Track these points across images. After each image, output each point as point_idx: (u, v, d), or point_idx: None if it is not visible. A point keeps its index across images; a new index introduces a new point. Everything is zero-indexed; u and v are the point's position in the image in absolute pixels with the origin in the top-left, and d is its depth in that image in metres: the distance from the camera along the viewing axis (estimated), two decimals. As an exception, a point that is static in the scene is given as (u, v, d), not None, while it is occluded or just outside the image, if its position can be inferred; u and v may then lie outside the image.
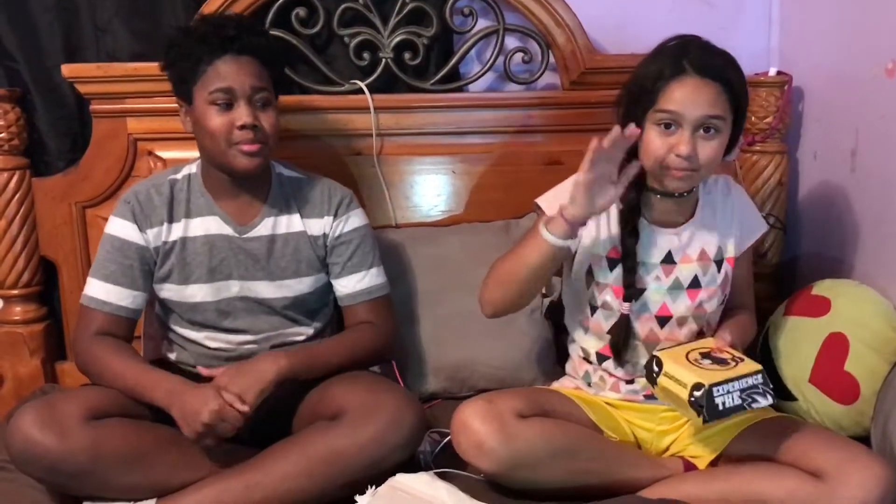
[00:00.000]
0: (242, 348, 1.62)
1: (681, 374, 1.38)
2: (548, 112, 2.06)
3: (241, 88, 1.49)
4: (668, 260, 1.53)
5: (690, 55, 1.41)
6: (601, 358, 1.58)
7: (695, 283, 1.54)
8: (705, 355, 1.42)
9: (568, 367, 1.69)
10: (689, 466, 1.50)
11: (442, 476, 1.44)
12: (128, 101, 1.94)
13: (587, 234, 1.52)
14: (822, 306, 1.74)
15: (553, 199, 1.50)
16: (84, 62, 1.96)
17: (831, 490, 1.32)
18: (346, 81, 2.01)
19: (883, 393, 1.54)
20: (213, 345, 1.62)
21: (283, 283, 1.61)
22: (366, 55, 2.01)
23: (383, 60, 2.02)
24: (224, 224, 1.59)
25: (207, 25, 1.52)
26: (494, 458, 1.40)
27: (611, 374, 1.58)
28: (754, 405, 1.37)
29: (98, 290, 1.56)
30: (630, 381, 1.56)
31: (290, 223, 1.62)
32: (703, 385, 1.34)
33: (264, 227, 1.60)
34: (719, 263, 1.55)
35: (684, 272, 1.53)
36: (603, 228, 1.53)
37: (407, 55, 2.02)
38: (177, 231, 1.58)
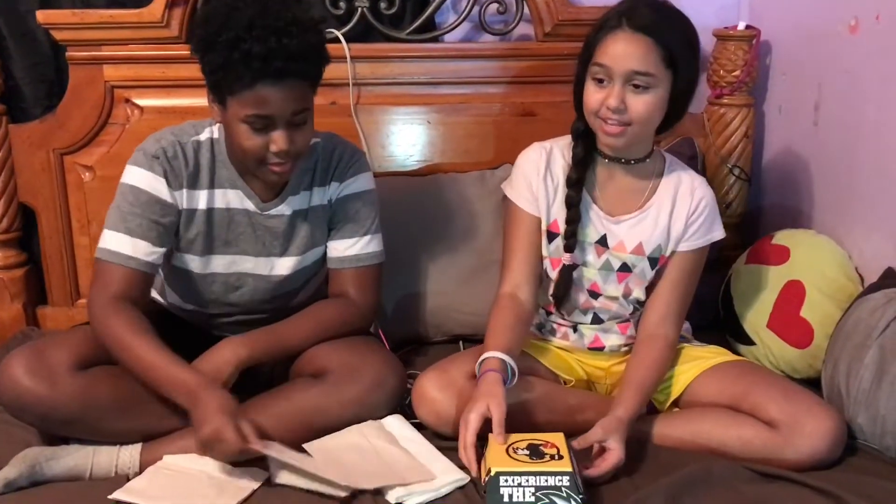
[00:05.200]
0: (238, 318, 1.64)
1: (490, 460, 1.29)
2: (522, 63, 2.08)
3: (282, 115, 1.38)
4: (602, 242, 1.57)
5: (631, 12, 1.42)
6: (548, 313, 1.65)
7: (624, 268, 1.57)
8: (531, 447, 1.31)
9: None
10: (651, 409, 1.57)
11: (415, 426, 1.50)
12: (104, 48, 1.94)
13: (537, 212, 1.57)
14: (781, 255, 1.81)
15: (516, 186, 1.58)
16: (59, 8, 1.95)
17: (786, 440, 1.40)
18: (322, 30, 2.02)
19: (834, 338, 1.62)
20: (211, 311, 1.63)
21: (297, 257, 1.60)
22: (341, 4, 2.02)
23: (359, 9, 2.03)
24: (246, 199, 1.54)
25: (253, 42, 1.32)
26: (454, 425, 1.43)
27: (559, 324, 1.65)
28: None
29: (122, 243, 1.45)
30: (575, 329, 1.63)
31: (311, 197, 1.59)
32: (491, 470, 1.26)
33: (287, 206, 1.56)
34: (653, 261, 1.57)
35: (614, 258, 1.57)
36: (548, 202, 1.56)
37: (383, 4, 2.03)
38: (203, 200, 1.52)
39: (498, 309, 1.55)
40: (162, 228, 1.48)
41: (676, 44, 1.42)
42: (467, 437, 1.33)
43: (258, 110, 1.37)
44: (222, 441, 1.32)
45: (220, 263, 1.57)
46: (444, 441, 1.47)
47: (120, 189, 1.49)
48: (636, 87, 1.41)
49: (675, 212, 1.56)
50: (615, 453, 1.35)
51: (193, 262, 1.56)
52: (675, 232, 1.56)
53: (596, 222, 1.56)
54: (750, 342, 1.81)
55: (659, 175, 1.58)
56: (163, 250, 1.49)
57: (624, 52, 1.40)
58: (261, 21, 1.33)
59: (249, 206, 1.54)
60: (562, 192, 1.56)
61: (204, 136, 1.53)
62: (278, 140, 1.40)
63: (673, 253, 1.57)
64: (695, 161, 2.05)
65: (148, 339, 1.41)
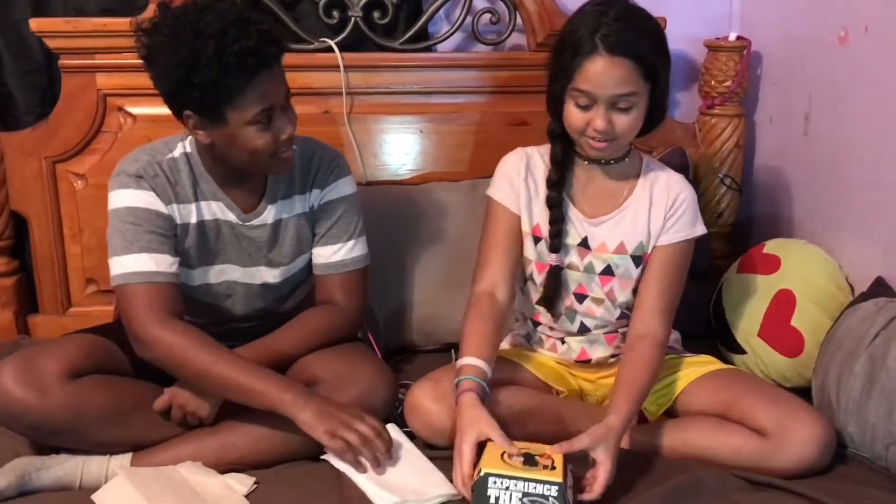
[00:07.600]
0: (231, 326, 1.63)
1: (483, 461, 1.28)
2: (514, 73, 2.09)
3: (279, 101, 1.42)
4: (584, 244, 1.56)
5: (603, 29, 1.38)
6: (535, 323, 1.65)
7: (607, 271, 1.56)
8: (527, 455, 1.29)
9: (515, 325, 1.74)
10: (642, 419, 1.57)
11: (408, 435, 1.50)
12: (97, 56, 1.94)
13: (518, 210, 1.57)
14: (772, 264, 1.82)
15: (498, 185, 1.58)
16: (52, 16, 1.95)
17: (775, 447, 1.40)
18: (315, 39, 2.03)
19: (824, 347, 1.62)
20: (201, 321, 1.61)
21: (285, 266, 1.60)
22: (335, 13, 2.03)
23: (352, 19, 2.04)
24: (228, 210, 1.53)
25: (240, 40, 1.32)
26: (447, 436, 1.44)
27: (547, 336, 1.64)
28: None
29: (140, 262, 1.43)
30: (563, 341, 1.62)
31: (292, 206, 1.58)
32: (482, 471, 1.25)
33: (268, 215, 1.56)
34: (637, 259, 1.56)
35: (598, 260, 1.56)
36: (529, 202, 1.57)
37: (376, 14, 2.04)
38: (193, 213, 1.51)
39: (476, 311, 1.52)
40: (169, 241, 1.48)
41: (653, 55, 1.42)
42: (464, 469, 1.30)
43: (263, 104, 1.38)
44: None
45: (211, 274, 1.57)
46: (437, 451, 1.46)
47: (115, 215, 1.47)
48: (621, 109, 1.42)
49: (652, 209, 1.55)
50: (604, 468, 1.31)
51: (186, 275, 1.55)
52: (654, 228, 1.55)
53: (577, 225, 1.56)
54: (741, 351, 1.81)
55: (636, 175, 1.58)
56: (177, 261, 1.48)
57: (605, 78, 1.39)
58: (229, 19, 1.34)
59: (231, 217, 1.54)
60: (543, 195, 1.56)
61: (178, 153, 1.52)
62: (285, 127, 1.43)
63: (654, 248, 1.56)
64: (686, 171, 2.05)
65: (213, 347, 1.42)
